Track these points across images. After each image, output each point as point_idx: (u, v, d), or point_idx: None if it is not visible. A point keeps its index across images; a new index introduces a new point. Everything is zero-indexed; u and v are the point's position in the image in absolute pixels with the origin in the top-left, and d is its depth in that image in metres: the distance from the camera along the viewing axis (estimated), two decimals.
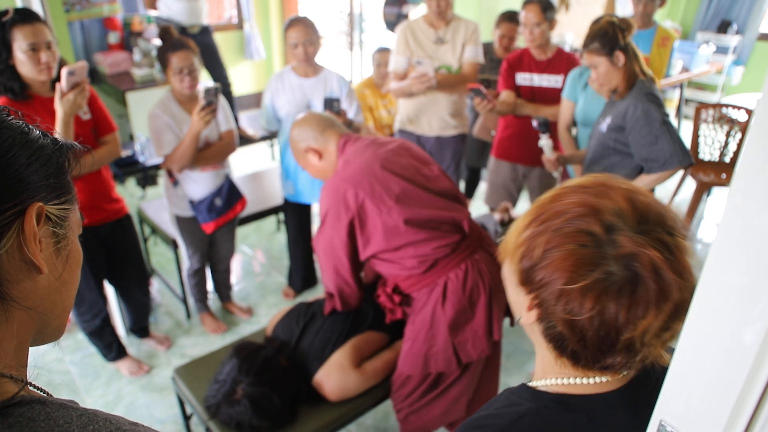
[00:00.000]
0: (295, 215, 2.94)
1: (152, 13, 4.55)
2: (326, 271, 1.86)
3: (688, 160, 1.95)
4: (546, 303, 0.66)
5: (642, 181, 2.04)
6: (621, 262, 0.61)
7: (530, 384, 0.74)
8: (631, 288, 0.61)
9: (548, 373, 0.73)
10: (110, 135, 2.21)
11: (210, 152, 2.43)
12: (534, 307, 0.68)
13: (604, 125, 2.12)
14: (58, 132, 1.93)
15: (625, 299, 0.61)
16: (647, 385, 0.72)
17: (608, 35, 1.97)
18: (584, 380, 0.70)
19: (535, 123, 2.35)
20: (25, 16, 1.81)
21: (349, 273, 1.81)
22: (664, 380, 0.55)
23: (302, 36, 2.47)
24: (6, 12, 1.80)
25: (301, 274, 3.15)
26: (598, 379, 0.70)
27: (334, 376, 1.84)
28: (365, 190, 1.68)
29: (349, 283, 1.85)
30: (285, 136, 2.71)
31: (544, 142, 2.34)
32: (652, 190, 2.10)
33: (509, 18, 3.26)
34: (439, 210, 1.74)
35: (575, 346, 0.65)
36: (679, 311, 0.62)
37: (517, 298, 0.72)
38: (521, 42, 3.50)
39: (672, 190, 4.15)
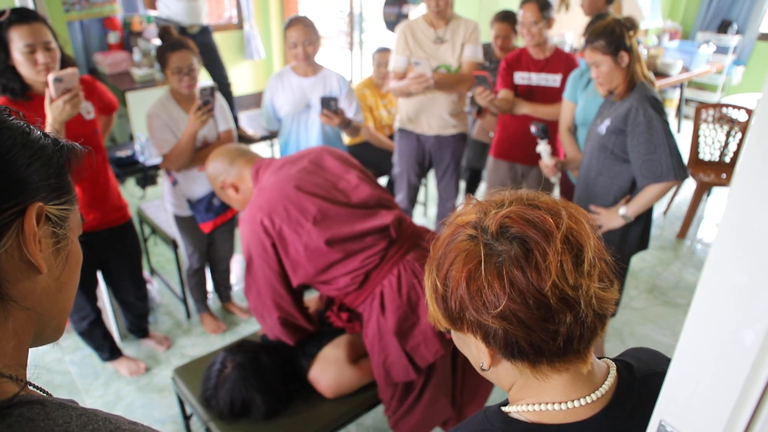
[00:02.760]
0: None
1: (152, 12, 4.55)
2: (265, 317, 1.78)
3: (684, 174, 1.94)
4: (475, 320, 0.64)
5: (642, 199, 2.03)
6: (500, 239, 0.63)
7: (504, 409, 0.72)
8: (520, 249, 0.62)
9: (517, 397, 0.71)
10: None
11: (208, 152, 2.42)
12: (473, 335, 0.66)
13: (603, 127, 2.09)
14: None
15: (524, 259, 0.61)
16: (627, 404, 0.70)
17: (615, 34, 1.94)
18: (557, 406, 0.68)
19: (533, 129, 2.34)
20: (23, 16, 1.79)
21: (292, 306, 1.75)
22: (658, 386, 0.55)
23: (302, 36, 2.48)
24: (3, 12, 1.78)
25: None
26: (571, 404, 0.67)
27: (330, 370, 1.84)
28: (280, 215, 1.63)
29: (295, 316, 1.79)
30: (285, 136, 2.71)
31: (542, 147, 2.33)
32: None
33: (502, 18, 3.26)
34: (360, 223, 1.69)
35: (522, 333, 0.62)
36: (572, 242, 0.62)
37: (468, 347, 0.71)
38: (520, 41, 3.51)
39: (672, 191, 4.15)
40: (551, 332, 0.62)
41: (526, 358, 0.65)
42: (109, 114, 2.29)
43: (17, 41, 1.79)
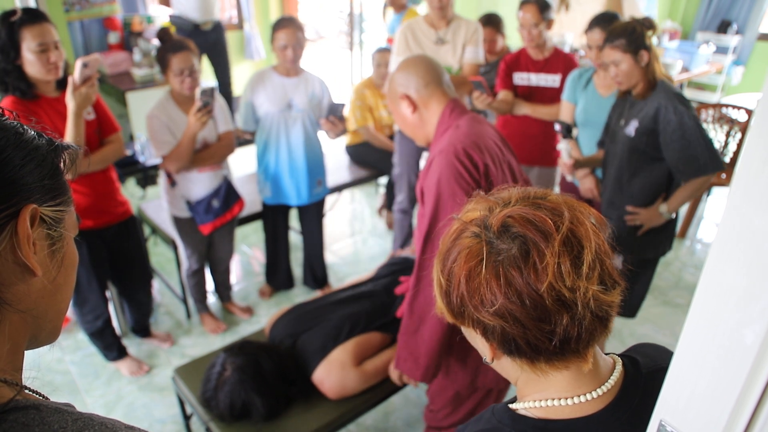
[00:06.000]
0: (272, 217, 2.94)
1: (165, 9, 4.53)
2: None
3: (721, 166, 1.94)
4: (474, 316, 0.65)
5: (682, 194, 2.04)
6: (501, 237, 0.63)
7: (511, 406, 0.73)
8: (519, 248, 0.62)
9: (524, 392, 0.72)
10: (114, 135, 2.23)
11: (208, 153, 2.43)
12: (474, 330, 0.68)
13: (632, 128, 2.07)
14: (70, 127, 1.98)
15: (522, 260, 0.62)
16: (633, 400, 0.70)
17: (635, 33, 1.95)
18: (563, 402, 0.68)
19: (557, 127, 2.35)
20: (33, 16, 1.82)
21: None
22: (663, 382, 0.55)
23: (292, 39, 2.47)
24: (14, 12, 1.80)
25: (278, 274, 3.15)
26: (577, 400, 0.68)
27: (335, 373, 1.84)
28: (489, 155, 1.50)
29: None
30: (264, 135, 2.69)
31: (563, 145, 2.33)
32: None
33: (485, 23, 3.28)
34: None
35: (518, 332, 0.63)
36: (572, 243, 0.62)
37: (474, 340, 0.72)
38: (509, 42, 3.52)
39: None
40: (547, 332, 0.62)
41: (524, 355, 0.66)
42: (108, 136, 2.27)
43: (30, 41, 1.81)
